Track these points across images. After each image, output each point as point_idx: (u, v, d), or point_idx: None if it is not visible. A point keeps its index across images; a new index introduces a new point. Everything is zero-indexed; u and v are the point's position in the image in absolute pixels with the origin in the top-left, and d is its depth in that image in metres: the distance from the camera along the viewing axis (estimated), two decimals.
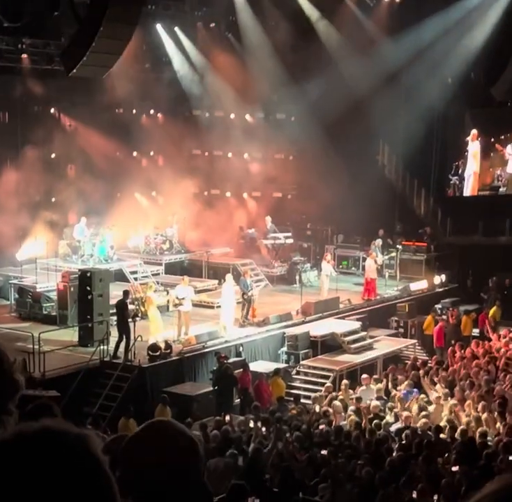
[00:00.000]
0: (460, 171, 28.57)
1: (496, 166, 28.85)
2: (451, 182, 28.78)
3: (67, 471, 1.31)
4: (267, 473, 11.43)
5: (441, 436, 13.23)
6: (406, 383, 16.60)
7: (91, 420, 14.64)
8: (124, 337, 17.55)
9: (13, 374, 2.17)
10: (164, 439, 1.84)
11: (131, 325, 17.57)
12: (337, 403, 15.64)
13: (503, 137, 28.52)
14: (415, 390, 16.32)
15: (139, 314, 19.08)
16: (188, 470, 1.82)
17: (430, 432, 13.38)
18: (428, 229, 28.42)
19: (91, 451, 1.36)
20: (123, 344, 17.55)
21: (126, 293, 18.81)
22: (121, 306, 18.08)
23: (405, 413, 14.76)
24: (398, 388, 16.72)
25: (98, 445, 1.40)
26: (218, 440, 13.24)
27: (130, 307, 19.27)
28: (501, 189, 28.63)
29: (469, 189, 28.56)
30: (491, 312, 23.87)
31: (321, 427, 14.00)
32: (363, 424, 14.14)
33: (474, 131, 27.88)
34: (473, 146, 28.11)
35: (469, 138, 27.97)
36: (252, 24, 27.28)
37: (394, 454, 11.86)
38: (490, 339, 21.07)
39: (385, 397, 16.21)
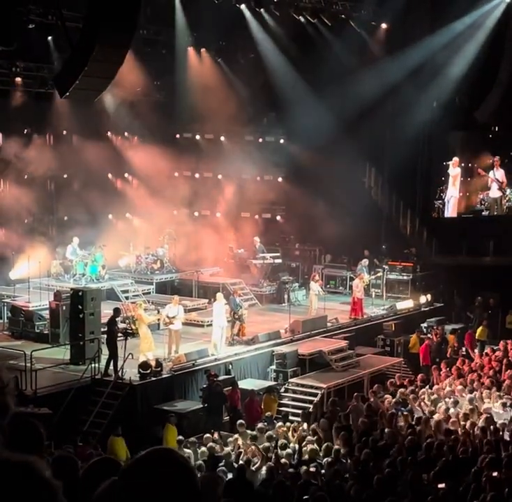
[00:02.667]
0: (443, 195, 29.06)
1: (479, 190, 29.36)
2: (436, 206, 29.28)
3: (15, 499, 1.31)
4: (256, 490, 11.60)
5: (428, 452, 13.44)
6: (393, 401, 16.89)
7: (81, 437, 14.88)
8: (113, 352, 17.80)
9: (5, 397, 2.10)
10: (164, 469, 1.78)
11: (122, 343, 17.72)
12: (323, 420, 15.89)
13: (485, 161, 29.07)
14: (401, 407, 16.58)
15: (131, 331, 19.28)
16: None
17: (416, 449, 13.61)
18: (414, 249, 28.86)
19: (38, 476, 1.35)
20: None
21: (116, 310, 18.99)
22: (110, 323, 18.26)
23: (391, 430, 14.98)
24: (385, 405, 16.98)
25: (45, 470, 1.39)
26: (206, 456, 13.49)
27: (122, 325, 19.52)
28: (483, 213, 29.15)
29: (449, 213, 29.04)
30: (478, 331, 24.23)
31: (309, 444, 14.23)
32: (352, 442, 14.37)
33: (456, 158, 28.37)
34: (454, 172, 28.58)
35: (450, 163, 28.47)
36: (243, 48, 27.84)
37: (381, 471, 12.07)
38: (471, 358, 21.44)
39: (372, 414, 16.44)
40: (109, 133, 28.34)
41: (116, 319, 18.68)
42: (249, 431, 15.22)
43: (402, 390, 17.76)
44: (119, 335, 18.12)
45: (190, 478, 1.81)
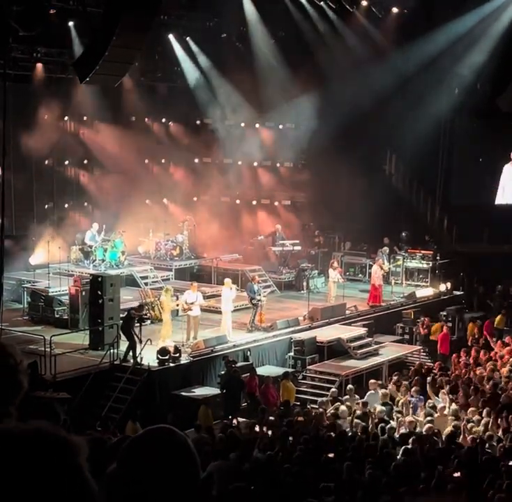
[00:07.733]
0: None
1: None
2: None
3: (43, 475, 1.28)
4: (274, 476, 11.61)
5: (445, 441, 13.40)
6: (413, 389, 16.80)
7: (100, 422, 14.96)
8: (132, 342, 17.85)
9: (18, 375, 2.04)
10: (161, 447, 1.76)
11: (138, 329, 17.78)
12: (343, 408, 15.87)
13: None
14: (420, 396, 16.53)
15: (146, 318, 19.22)
16: (181, 481, 1.74)
17: (434, 437, 13.58)
18: (432, 237, 28.72)
19: (70, 457, 1.32)
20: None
21: (140, 307, 18.88)
22: (128, 317, 18.18)
23: (408, 419, 14.92)
24: (402, 393, 16.93)
25: (82, 451, 1.36)
26: (224, 443, 13.52)
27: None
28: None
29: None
30: (496, 320, 24.10)
31: (326, 431, 14.22)
32: (369, 429, 14.37)
33: None
34: None
35: None
36: (263, 34, 27.69)
37: (398, 459, 12.06)
38: (491, 348, 21.31)
39: (390, 403, 16.41)
40: (129, 118, 28.34)
41: (136, 314, 18.45)
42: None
43: (420, 378, 17.71)
44: (135, 321, 18.10)
45: (188, 455, 1.77)
